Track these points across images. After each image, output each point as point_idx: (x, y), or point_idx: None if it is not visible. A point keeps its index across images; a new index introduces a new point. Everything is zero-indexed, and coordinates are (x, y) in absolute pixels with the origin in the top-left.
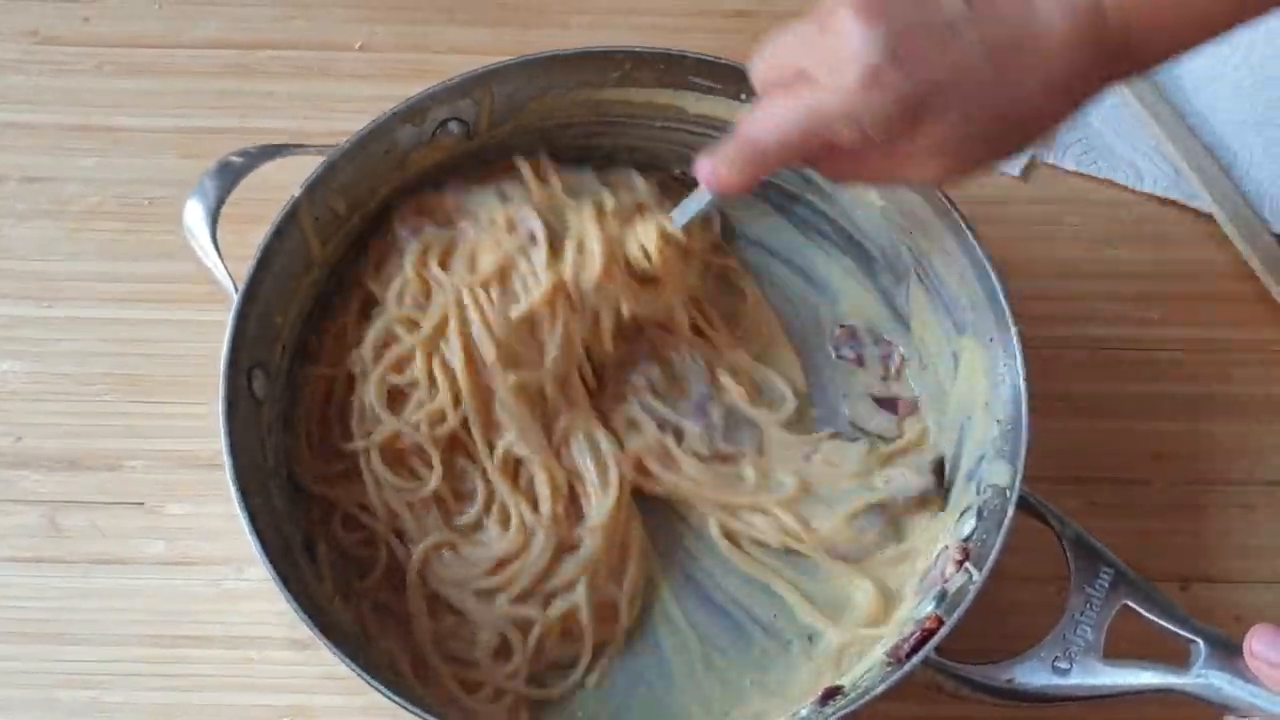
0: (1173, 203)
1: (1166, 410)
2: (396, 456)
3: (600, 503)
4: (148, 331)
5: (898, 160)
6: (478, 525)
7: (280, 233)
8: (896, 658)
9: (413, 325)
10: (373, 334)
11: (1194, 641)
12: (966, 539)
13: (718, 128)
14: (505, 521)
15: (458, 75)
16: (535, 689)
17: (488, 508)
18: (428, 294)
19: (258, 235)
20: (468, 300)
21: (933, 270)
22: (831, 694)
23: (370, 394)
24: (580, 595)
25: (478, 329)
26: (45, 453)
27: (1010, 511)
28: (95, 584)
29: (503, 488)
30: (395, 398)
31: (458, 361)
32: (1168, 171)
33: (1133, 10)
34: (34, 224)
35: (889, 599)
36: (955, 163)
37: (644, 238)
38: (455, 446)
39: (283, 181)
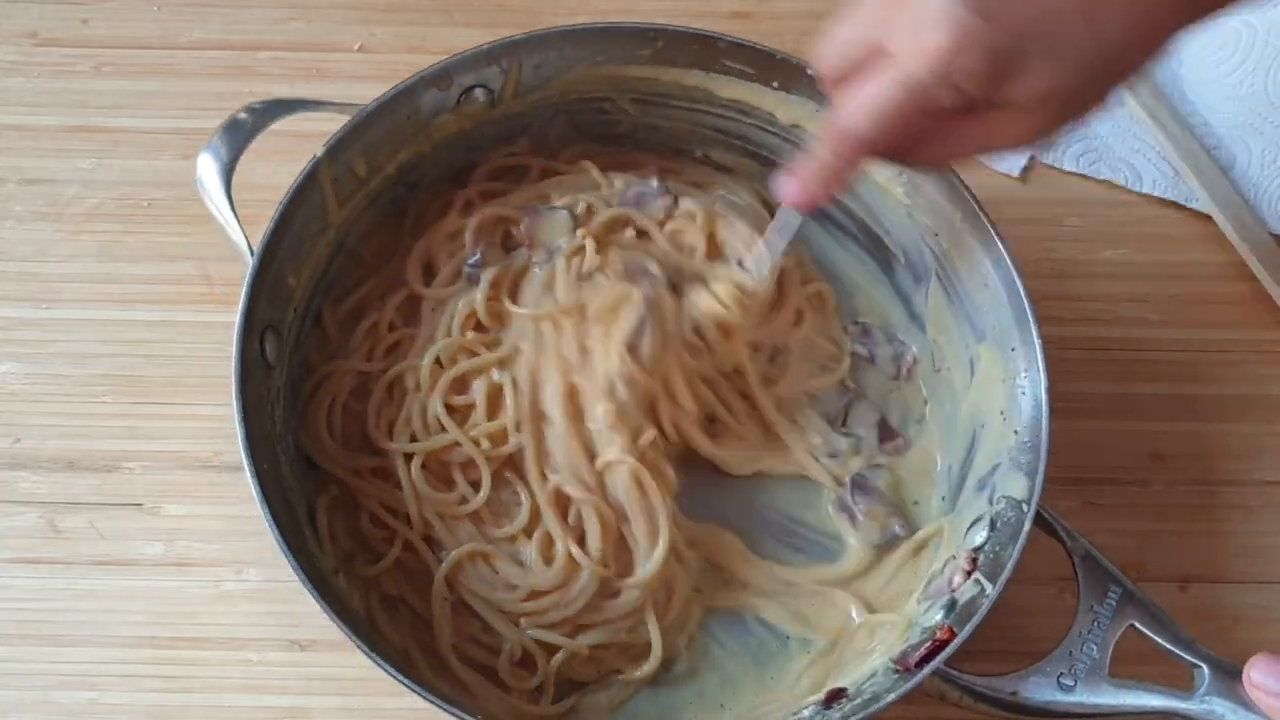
0: (1171, 204)
1: (1165, 411)
2: (439, 467)
3: (648, 558)
4: (146, 333)
5: (992, 123)
6: (514, 541)
7: (302, 191)
8: (905, 666)
9: (472, 354)
10: (431, 354)
11: (1198, 666)
12: (978, 549)
13: (746, 113)
14: (548, 553)
15: (488, 42)
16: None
17: (529, 532)
18: (498, 321)
19: (255, 233)
20: (547, 330)
21: (955, 274)
22: (836, 696)
23: (433, 407)
24: (621, 634)
25: (553, 360)
26: (44, 454)
27: (1028, 526)
28: (94, 585)
29: (551, 520)
30: (449, 413)
31: (526, 387)
32: (1166, 173)
33: None
34: (33, 226)
35: (867, 609)
36: (1048, 118)
37: (720, 293)
38: (505, 462)
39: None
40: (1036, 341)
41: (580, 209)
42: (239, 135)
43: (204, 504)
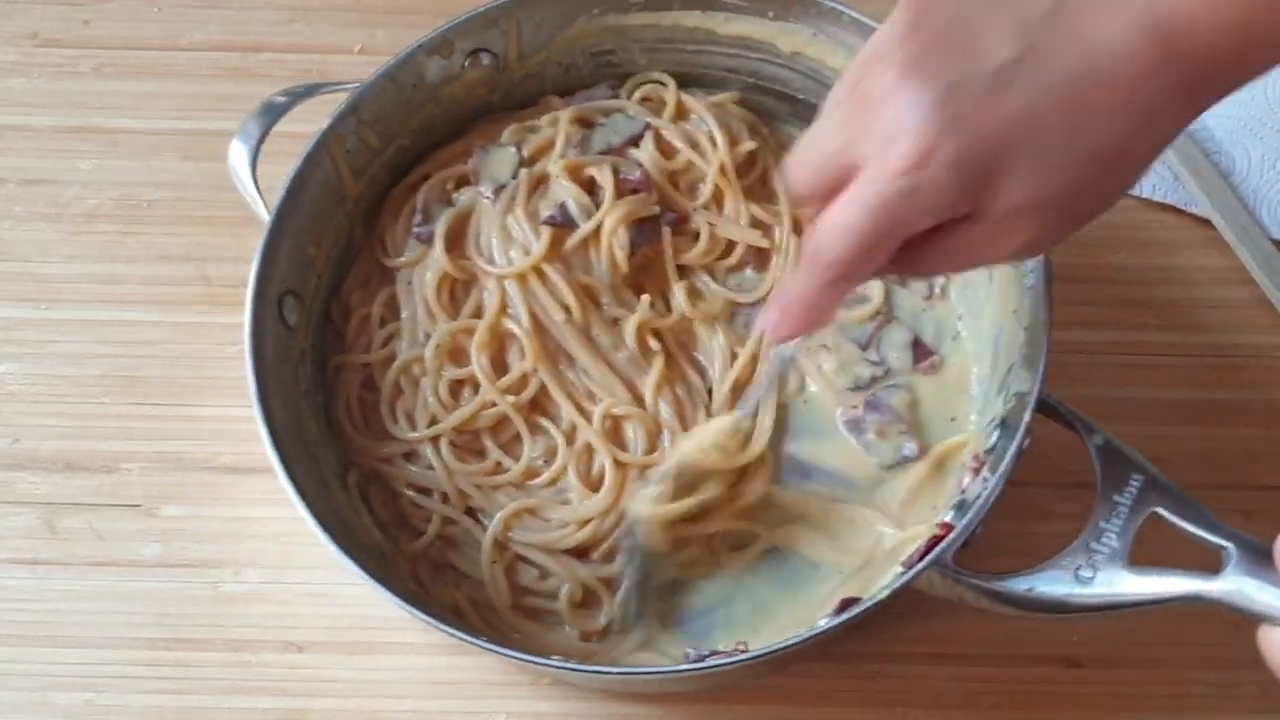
0: (1171, 208)
1: (1164, 415)
2: (468, 439)
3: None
4: (145, 334)
5: (980, 237)
6: (555, 483)
7: (310, 163)
8: (908, 565)
9: (469, 333)
10: (432, 344)
11: (1224, 547)
12: (989, 450)
13: (750, 48)
14: (591, 479)
15: (484, 5)
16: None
17: (565, 469)
18: (469, 282)
19: None
20: (534, 282)
21: None
22: (848, 604)
23: (443, 387)
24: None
25: (544, 298)
26: (42, 454)
27: (1027, 417)
28: (92, 586)
29: (597, 441)
30: (455, 387)
31: (527, 338)
32: (1166, 177)
33: (1206, 23)
34: (32, 226)
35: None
36: (1045, 227)
37: (705, 440)
38: (531, 408)
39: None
40: None
41: (529, 148)
42: (268, 118)
43: (202, 505)
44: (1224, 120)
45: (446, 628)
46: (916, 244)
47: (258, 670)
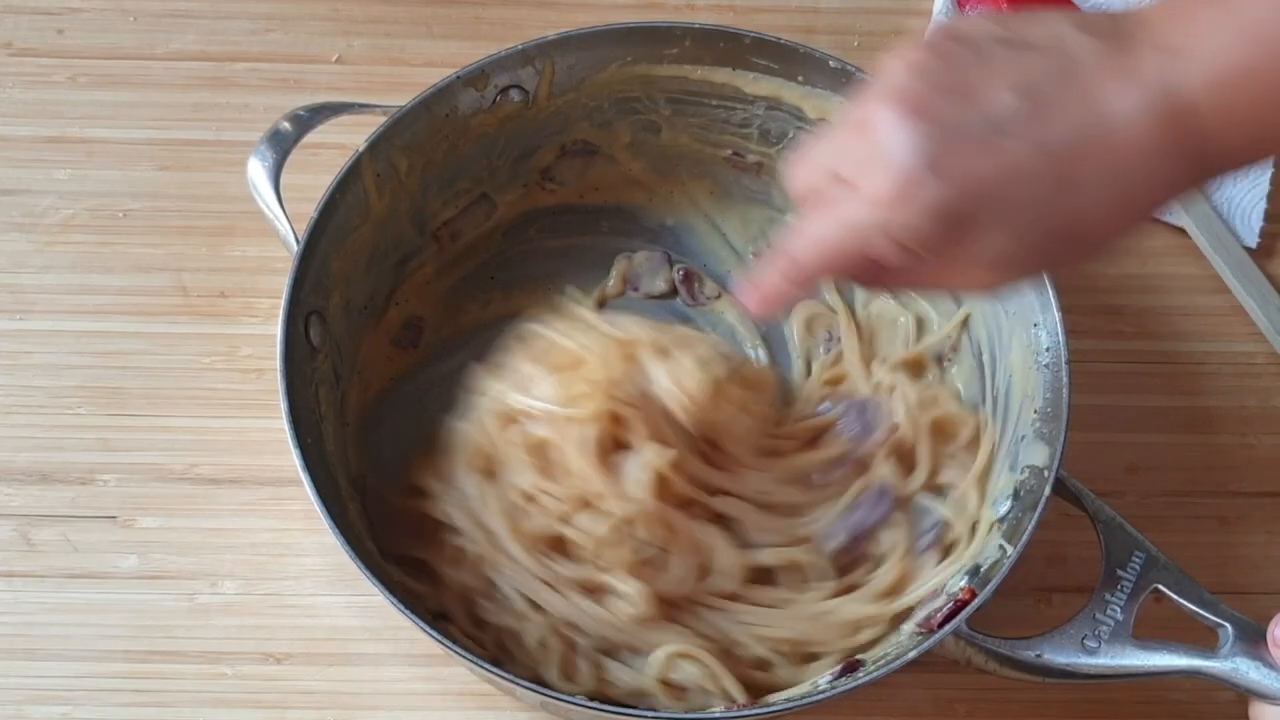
0: None
1: (1140, 423)
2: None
3: None
4: (121, 344)
5: (941, 273)
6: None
7: (342, 187)
8: (928, 628)
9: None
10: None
11: (1222, 626)
12: (1001, 519)
13: (774, 108)
14: None
15: (522, 42)
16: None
17: None
18: None
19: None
20: None
21: None
22: (852, 667)
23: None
24: None
25: None
26: (17, 466)
27: (1048, 491)
28: (67, 598)
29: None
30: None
31: None
32: None
33: (1222, 114)
34: (7, 236)
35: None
36: (1005, 276)
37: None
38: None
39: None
40: (1056, 312)
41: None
42: (284, 142)
43: (179, 516)
44: None
45: (470, 656)
46: (880, 270)
47: (235, 682)
